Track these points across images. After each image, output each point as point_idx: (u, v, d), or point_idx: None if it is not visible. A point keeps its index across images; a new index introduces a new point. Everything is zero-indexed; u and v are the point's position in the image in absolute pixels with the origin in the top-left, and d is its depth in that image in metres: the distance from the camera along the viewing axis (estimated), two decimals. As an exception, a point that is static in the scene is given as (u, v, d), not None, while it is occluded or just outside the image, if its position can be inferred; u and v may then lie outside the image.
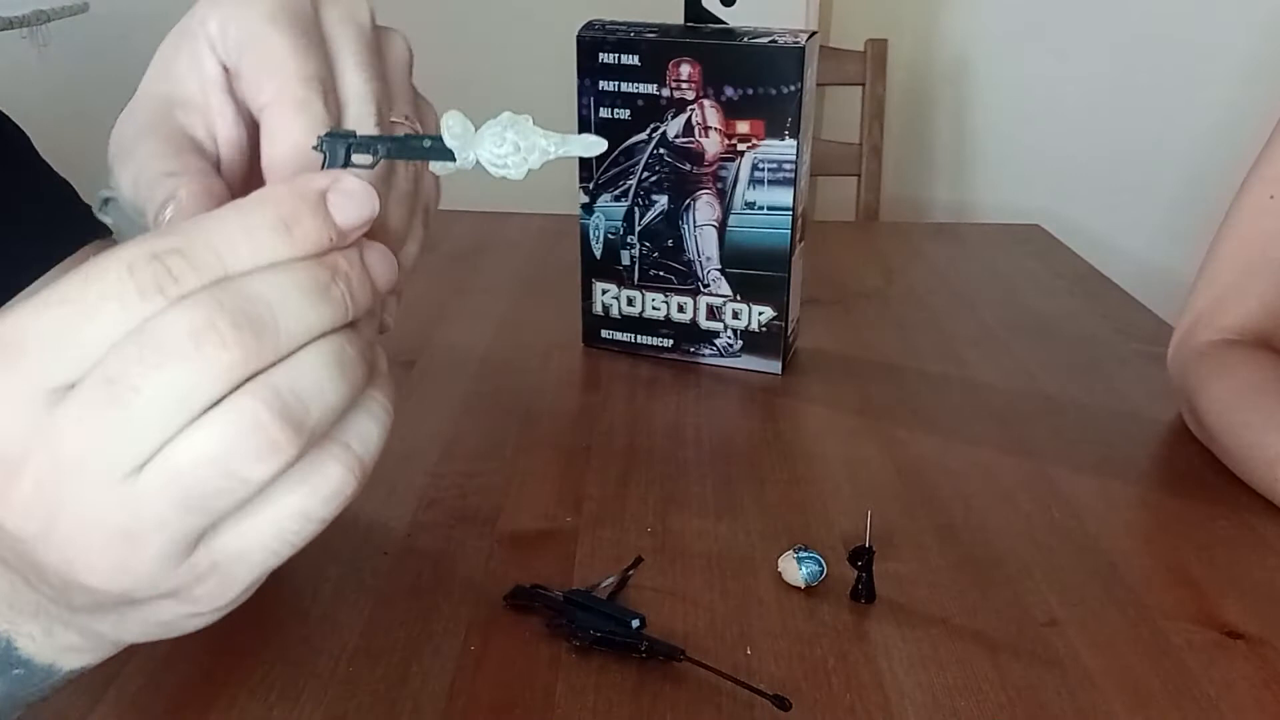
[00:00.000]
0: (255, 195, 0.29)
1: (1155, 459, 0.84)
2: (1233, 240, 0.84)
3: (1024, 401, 0.90)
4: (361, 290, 0.30)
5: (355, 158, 0.32)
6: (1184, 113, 1.89)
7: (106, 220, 0.43)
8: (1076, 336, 1.04)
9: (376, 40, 0.37)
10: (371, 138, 0.33)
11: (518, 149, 0.32)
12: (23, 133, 0.65)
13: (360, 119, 0.35)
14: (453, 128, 0.32)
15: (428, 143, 0.33)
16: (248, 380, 0.27)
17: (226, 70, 0.36)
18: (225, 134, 0.37)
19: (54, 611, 0.32)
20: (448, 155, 0.33)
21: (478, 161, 0.33)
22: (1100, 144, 1.94)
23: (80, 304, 0.27)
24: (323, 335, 0.28)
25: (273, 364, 0.27)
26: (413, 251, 0.38)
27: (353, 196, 0.29)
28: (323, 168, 0.32)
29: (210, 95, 0.36)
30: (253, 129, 0.36)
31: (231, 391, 0.27)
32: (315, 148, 0.32)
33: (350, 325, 0.30)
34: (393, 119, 0.36)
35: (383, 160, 0.34)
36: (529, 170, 0.33)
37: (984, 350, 1.00)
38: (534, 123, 0.33)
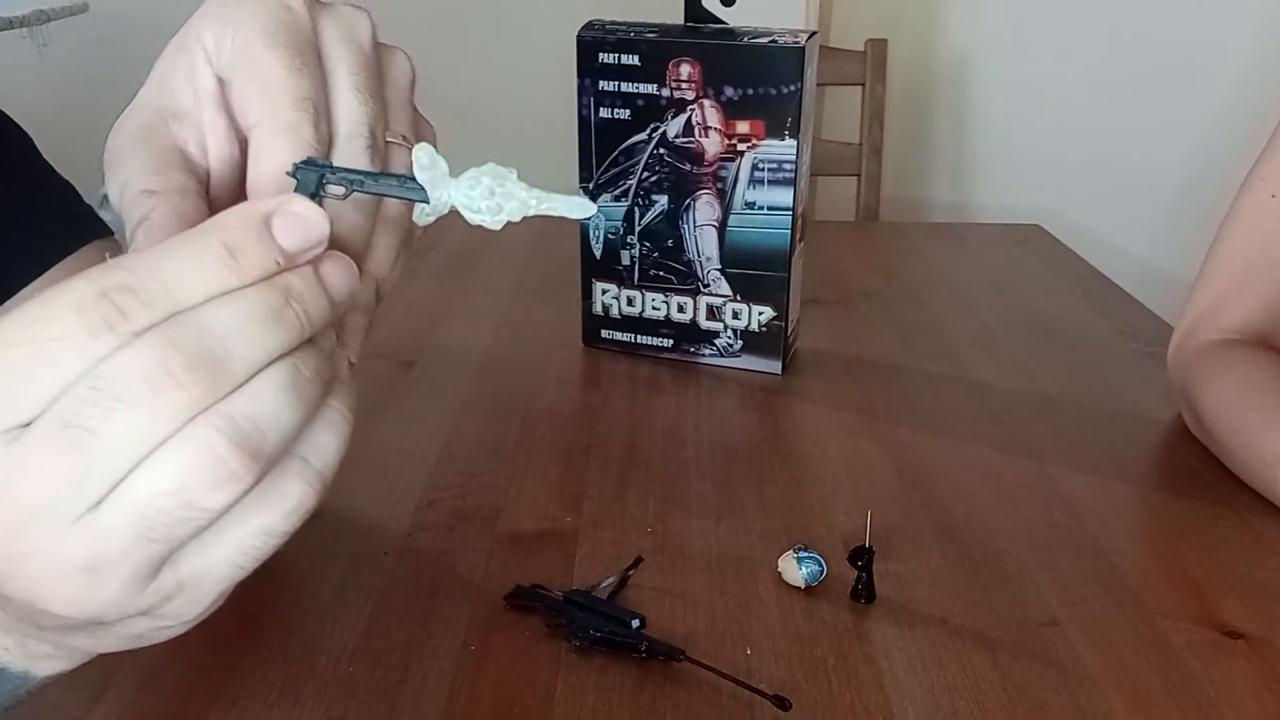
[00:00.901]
0: (204, 224, 0.29)
1: (1155, 459, 0.84)
2: (1233, 240, 0.84)
3: (1024, 401, 0.90)
4: (317, 307, 0.30)
5: (332, 189, 0.32)
6: (1184, 112, 1.89)
7: (106, 217, 0.42)
8: (1076, 336, 1.04)
9: (376, 59, 0.37)
10: (348, 171, 0.32)
11: (492, 194, 0.32)
12: (25, 134, 0.65)
13: (351, 141, 0.34)
14: (420, 159, 0.32)
15: (401, 180, 0.32)
16: (203, 410, 0.27)
17: (221, 83, 0.36)
18: (216, 149, 0.37)
19: (25, 629, 0.32)
20: (420, 193, 0.32)
21: (452, 205, 0.33)
22: (1100, 144, 1.94)
23: (31, 346, 0.27)
24: (279, 358, 0.29)
25: (228, 393, 0.28)
26: (393, 278, 0.37)
27: (299, 219, 0.29)
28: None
29: (204, 108, 0.36)
30: (245, 144, 0.36)
31: (187, 422, 0.27)
32: (290, 174, 0.32)
33: (307, 341, 0.30)
34: (389, 139, 0.36)
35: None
36: (505, 221, 0.32)
37: (984, 350, 1.00)
38: (519, 177, 0.32)
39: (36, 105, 0.74)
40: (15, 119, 0.65)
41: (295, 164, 0.32)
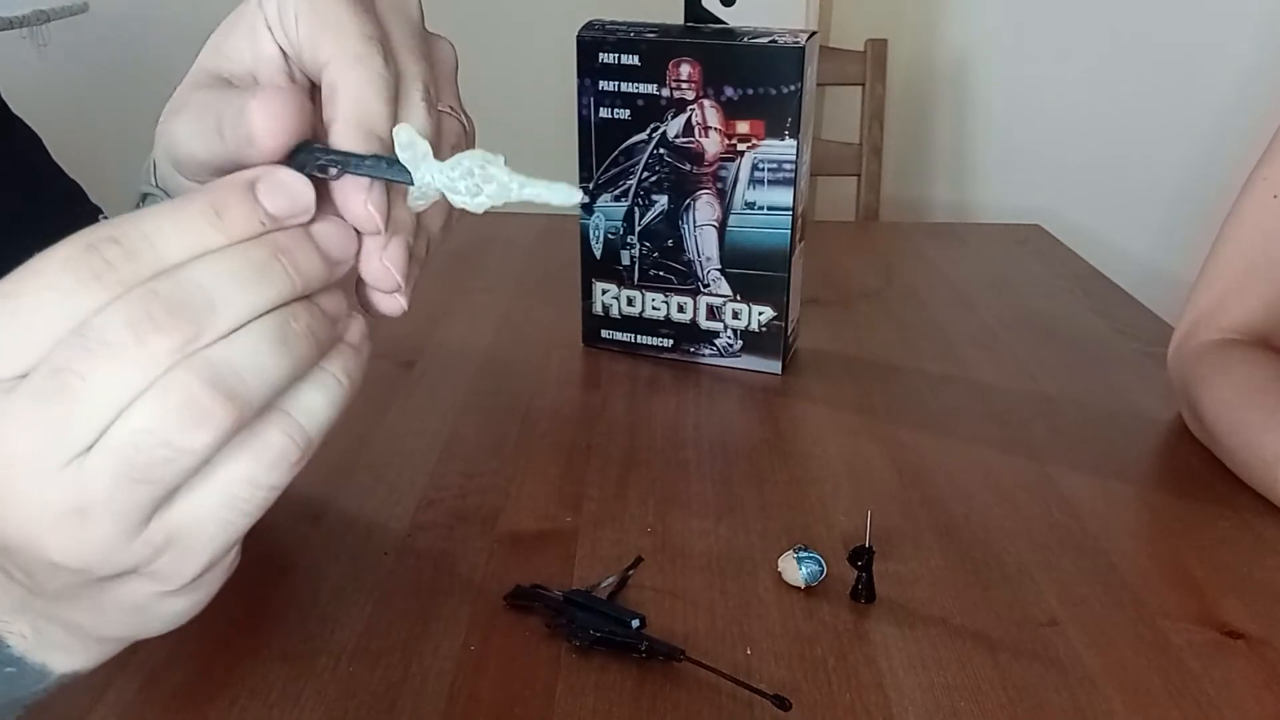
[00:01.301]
0: (188, 193, 0.29)
1: (1155, 459, 0.84)
2: (1235, 240, 0.84)
3: (1024, 401, 0.90)
4: (308, 262, 0.30)
5: (332, 172, 0.32)
6: (1184, 112, 1.89)
7: None
8: (1076, 336, 1.04)
9: (427, 44, 0.37)
10: (339, 153, 0.32)
11: (471, 175, 0.32)
12: (35, 135, 0.65)
13: (409, 99, 0.34)
14: (400, 138, 0.32)
15: (390, 161, 0.32)
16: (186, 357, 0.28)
17: (284, 54, 0.36)
18: None
19: (36, 605, 0.32)
20: (405, 175, 0.32)
21: (439, 190, 0.33)
22: (1100, 144, 1.94)
23: (20, 299, 0.28)
24: (270, 312, 0.29)
25: (214, 342, 0.28)
26: (443, 236, 0.37)
27: (283, 185, 0.30)
28: None
29: (263, 73, 0.36)
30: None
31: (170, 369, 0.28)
32: (287, 160, 0.32)
33: (304, 300, 0.30)
34: (440, 109, 0.36)
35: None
36: (487, 204, 0.32)
37: (984, 350, 1.00)
38: (506, 162, 0.32)
39: (36, 105, 0.74)
40: (20, 118, 0.65)
41: (295, 146, 0.32)
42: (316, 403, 0.31)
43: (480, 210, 0.32)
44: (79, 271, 0.27)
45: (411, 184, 0.33)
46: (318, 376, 0.31)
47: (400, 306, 0.35)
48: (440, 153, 0.33)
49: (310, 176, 0.31)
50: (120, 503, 0.28)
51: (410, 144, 0.32)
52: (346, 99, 0.33)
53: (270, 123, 0.31)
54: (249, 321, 0.29)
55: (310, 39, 0.34)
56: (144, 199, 0.42)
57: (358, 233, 0.33)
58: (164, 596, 0.32)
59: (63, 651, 0.34)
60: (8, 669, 0.34)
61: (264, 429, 0.30)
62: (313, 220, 0.31)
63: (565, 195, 0.32)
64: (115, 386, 0.27)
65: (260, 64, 0.36)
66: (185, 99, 0.36)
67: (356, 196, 0.32)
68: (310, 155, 0.32)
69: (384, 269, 0.33)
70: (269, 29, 0.36)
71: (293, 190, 0.30)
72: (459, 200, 0.33)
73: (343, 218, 0.32)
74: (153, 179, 0.41)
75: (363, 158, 0.32)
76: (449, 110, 0.37)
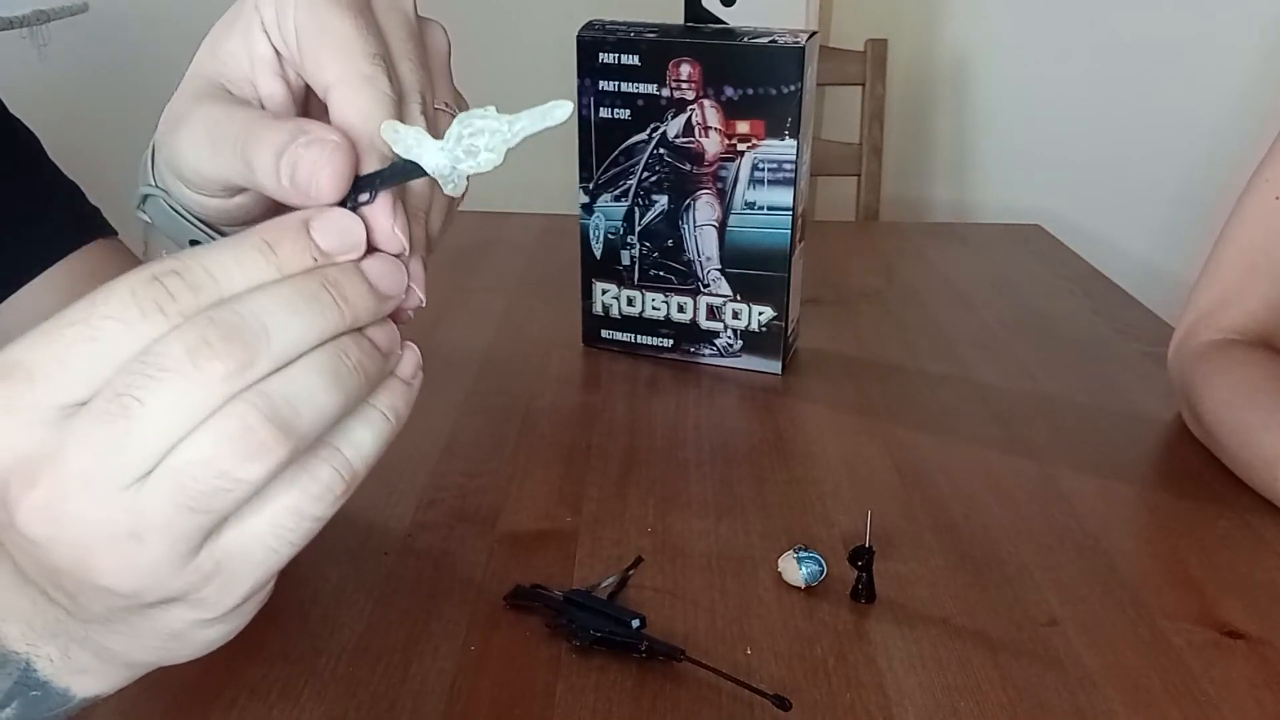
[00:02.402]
0: (245, 230, 0.30)
1: (1155, 459, 0.84)
2: (1236, 240, 0.84)
3: (1024, 401, 0.90)
4: (358, 296, 0.31)
5: (362, 199, 0.33)
6: (1184, 112, 1.89)
7: (144, 217, 0.43)
8: (1076, 336, 1.04)
9: (419, 30, 0.37)
10: (368, 177, 0.33)
11: (461, 139, 0.32)
12: (33, 134, 0.65)
13: (409, 114, 0.35)
14: (386, 135, 0.33)
15: (404, 165, 0.33)
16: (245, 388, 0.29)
17: (279, 55, 0.36)
18: (273, 110, 0.37)
19: (71, 628, 0.33)
20: (418, 169, 0.33)
21: (450, 165, 0.33)
22: (1100, 144, 1.94)
23: (86, 325, 0.29)
24: (321, 344, 0.30)
25: (268, 373, 0.29)
26: (443, 233, 0.38)
27: (335, 223, 0.31)
28: None
29: (259, 75, 0.37)
30: (301, 111, 0.37)
31: (229, 400, 0.29)
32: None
33: (356, 333, 0.31)
34: (436, 107, 0.37)
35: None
36: (493, 158, 0.32)
37: (984, 350, 1.00)
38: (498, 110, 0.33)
39: (37, 105, 0.74)
40: (19, 118, 0.65)
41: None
42: (364, 438, 0.32)
43: (490, 166, 0.33)
44: (142, 302, 0.28)
45: (426, 174, 0.33)
46: (366, 412, 0.32)
47: (411, 314, 0.36)
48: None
49: (354, 202, 0.32)
50: (175, 529, 0.29)
51: (399, 137, 0.33)
52: (356, 125, 0.33)
53: (336, 184, 0.32)
54: (302, 353, 0.30)
55: (314, 56, 0.34)
56: (145, 200, 0.42)
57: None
58: (202, 624, 0.32)
59: (89, 676, 0.34)
60: (33, 692, 0.34)
61: (313, 462, 0.31)
62: (363, 256, 0.32)
63: (558, 113, 0.32)
64: (173, 411, 0.28)
65: (256, 67, 0.36)
66: (187, 110, 0.36)
67: (384, 220, 0.33)
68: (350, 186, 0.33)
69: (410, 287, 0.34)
70: (265, 32, 0.36)
71: (344, 227, 0.31)
72: (467, 167, 0.33)
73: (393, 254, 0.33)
74: (151, 178, 0.41)
75: (378, 173, 0.33)
76: (443, 107, 0.37)
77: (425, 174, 0.33)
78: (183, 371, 0.28)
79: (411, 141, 0.33)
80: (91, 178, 0.70)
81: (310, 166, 0.32)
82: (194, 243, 0.42)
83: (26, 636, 0.33)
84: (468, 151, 0.32)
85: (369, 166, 0.33)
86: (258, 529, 0.30)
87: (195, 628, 0.32)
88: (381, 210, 0.33)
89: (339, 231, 0.31)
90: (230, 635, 0.33)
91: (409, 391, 0.34)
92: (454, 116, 0.36)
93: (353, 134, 0.33)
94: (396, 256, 0.33)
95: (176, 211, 0.41)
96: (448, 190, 0.33)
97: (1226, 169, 1.81)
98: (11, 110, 0.65)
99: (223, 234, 0.41)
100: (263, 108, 0.37)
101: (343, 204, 0.32)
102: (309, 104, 0.38)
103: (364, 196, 0.33)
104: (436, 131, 0.35)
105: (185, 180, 0.38)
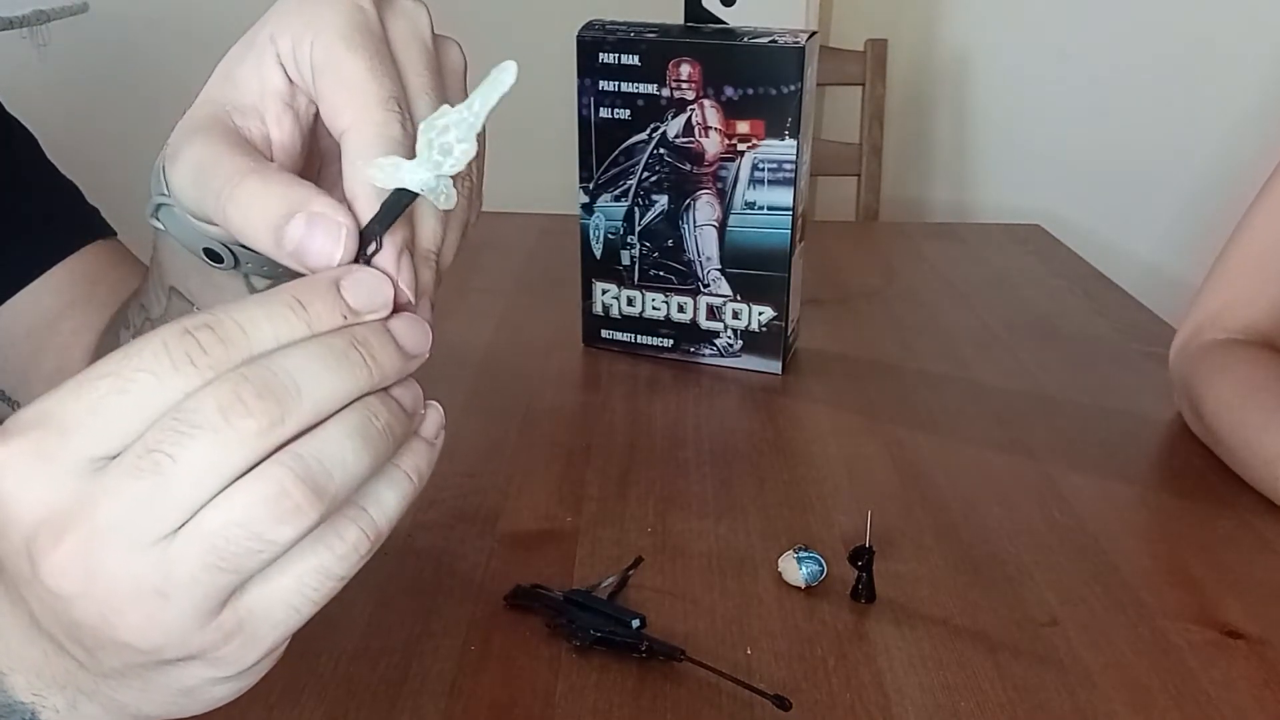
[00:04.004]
0: (276, 287, 0.31)
1: (1155, 459, 0.84)
2: (1248, 243, 0.84)
3: (1024, 401, 0.90)
4: (386, 355, 0.31)
5: (372, 248, 0.33)
6: (1184, 112, 1.89)
7: (158, 226, 0.43)
8: (1076, 336, 1.04)
9: (436, 54, 0.37)
10: (370, 226, 0.33)
11: (432, 145, 0.33)
12: (31, 135, 0.65)
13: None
14: (374, 177, 0.33)
15: (398, 197, 0.33)
16: (278, 449, 0.29)
17: (292, 84, 0.36)
18: (280, 142, 0.37)
19: (81, 680, 0.33)
20: (407, 194, 0.33)
21: (434, 177, 0.33)
22: (1101, 144, 1.94)
23: (118, 378, 0.29)
24: (350, 404, 0.30)
25: (301, 432, 0.29)
26: (446, 258, 0.38)
27: (364, 282, 0.32)
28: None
29: (269, 103, 0.37)
30: (307, 142, 0.37)
31: (262, 460, 0.29)
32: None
33: (384, 394, 0.31)
34: None
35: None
36: (468, 149, 0.33)
37: (984, 350, 1.00)
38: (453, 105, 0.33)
39: (37, 105, 0.74)
40: (17, 119, 0.65)
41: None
42: (389, 499, 0.32)
43: (468, 157, 0.33)
44: (174, 355, 0.29)
45: (417, 195, 0.33)
46: (391, 473, 0.32)
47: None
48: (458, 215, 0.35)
49: (364, 255, 0.33)
50: (202, 588, 0.29)
51: (379, 173, 0.33)
52: (368, 175, 0.33)
53: (333, 257, 0.32)
54: (333, 413, 0.30)
55: (329, 98, 0.35)
56: (158, 209, 0.42)
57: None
58: (216, 682, 0.32)
59: None
60: None
61: (340, 522, 0.31)
62: (390, 316, 0.32)
63: (505, 78, 0.33)
64: (205, 468, 0.28)
65: (267, 97, 0.36)
66: (186, 141, 0.36)
67: (393, 274, 0.33)
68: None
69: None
70: (280, 64, 0.36)
71: (373, 286, 0.32)
72: (448, 168, 0.33)
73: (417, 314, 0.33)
74: (164, 187, 0.41)
75: (376, 218, 0.33)
76: None
77: (416, 196, 0.33)
78: (215, 428, 0.28)
79: (390, 168, 0.33)
80: (91, 178, 0.70)
81: (320, 252, 0.32)
82: (208, 250, 0.42)
83: (33, 686, 0.33)
84: (443, 152, 0.33)
85: (378, 219, 0.33)
86: (282, 588, 0.31)
87: (209, 685, 0.32)
88: (389, 263, 0.33)
89: (368, 290, 0.32)
90: (241, 692, 0.34)
91: (432, 451, 0.34)
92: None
93: (362, 185, 0.33)
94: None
95: (188, 220, 0.41)
96: (441, 204, 0.33)
97: (1227, 168, 1.81)
98: (12, 110, 0.65)
99: (238, 245, 0.41)
100: (269, 138, 0.37)
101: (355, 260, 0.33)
102: (316, 131, 0.38)
103: (371, 247, 0.33)
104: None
105: (182, 207, 0.38)
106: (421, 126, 0.33)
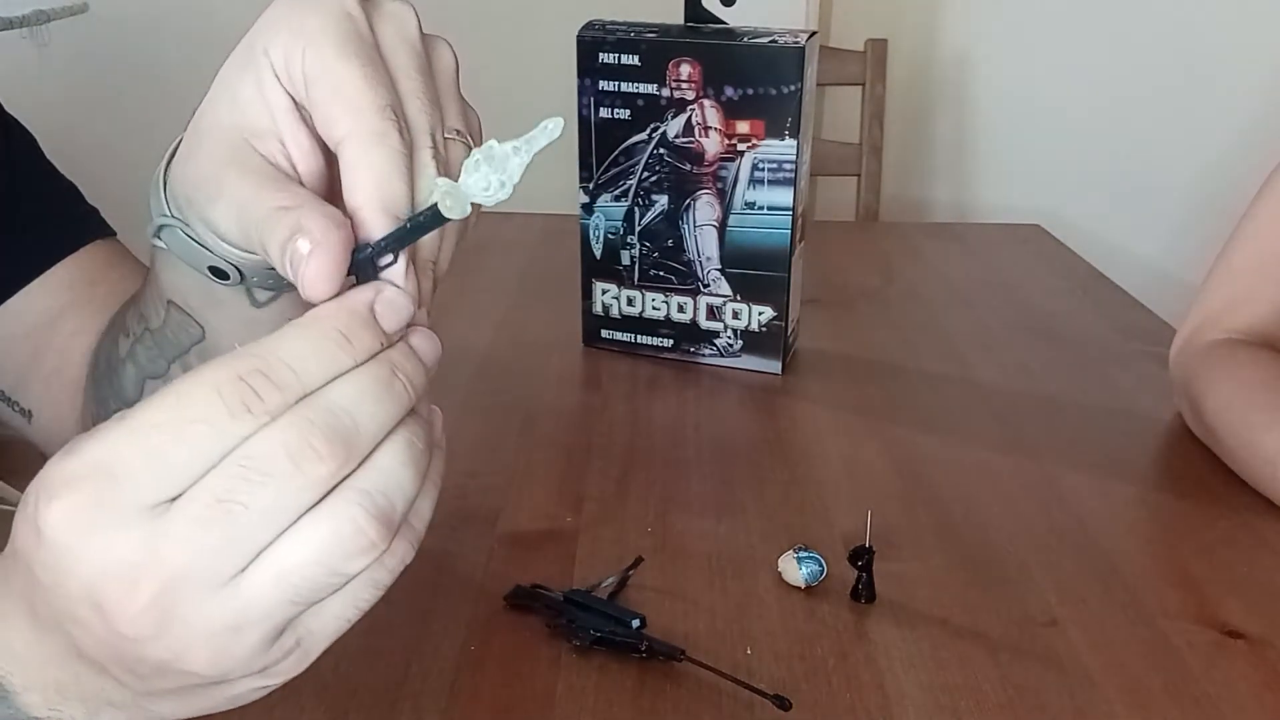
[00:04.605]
0: (311, 315, 0.32)
1: (1155, 459, 0.84)
2: (1248, 244, 0.84)
3: (1024, 401, 0.90)
4: (416, 374, 0.33)
5: (385, 261, 0.34)
6: (1184, 112, 1.89)
7: (161, 245, 0.43)
8: (1077, 336, 1.04)
9: (426, 54, 0.37)
10: (390, 239, 0.34)
11: (478, 168, 0.34)
12: (30, 135, 0.65)
13: (420, 163, 0.35)
14: (447, 204, 0.34)
15: (432, 213, 0.34)
16: (340, 483, 0.30)
17: (293, 98, 0.36)
18: (303, 163, 0.37)
19: (114, 695, 0.33)
20: (439, 219, 0.34)
21: (468, 200, 0.34)
22: (1101, 144, 1.94)
23: (173, 428, 0.29)
24: (395, 429, 0.32)
25: (358, 463, 0.31)
26: (443, 266, 0.39)
27: (393, 305, 0.33)
28: (356, 283, 0.34)
29: (282, 124, 0.37)
30: (328, 154, 0.37)
31: (327, 494, 0.30)
32: (349, 271, 0.34)
33: (417, 415, 0.33)
34: (445, 136, 0.37)
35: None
36: (510, 187, 0.34)
37: (984, 350, 1.00)
38: (499, 140, 0.34)
39: (36, 105, 0.74)
40: (16, 119, 0.65)
41: (353, 257, 0.34)
42: (424, 508, 0.34)
43: (510, 193, 0.34)
44: (230, 403, 0.29)
45: (446, 221, 0.34)
46: (425, 486, 0.34)
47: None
48: (454, 178, 0.35)
49: (376, 266, 0.34)
50: (274, 620, 0.30)
51: (434, 191, 0.34)
52: (369, 183, 0.34)
53: (324, 290, 0.33)
54: (383, 441, 0.31)
55: (324, 109, 0.35)
56: (160, 230, 0.42)
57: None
58: (262, 689, 0.34)
59: None
60: None
61: (396, 542, 0.32)
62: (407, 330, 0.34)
63: (554, 129, 0.34)
64: (276, 512, 0.29)
65: (279, 118, 0.36)
66: (218, 178, 0.36)
67: (399, 283, 0.34)
68: (367, 260, 0.34)
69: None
70: (275, 78, 0.36)
71: (399, 306, 0.33)
72: (487, 199, 0.34)
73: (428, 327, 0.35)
74: (165, 208, 0.42)
75: (409, 229, 0.34)
76: (454, 135, 0.37)
77: (444, 222, 0.34)
78: (288, 475, 0.29)
79: (457, 193, 0.34)
80: (91, 177, 0.70)
81: (304, 275, 0.33)
82: (213, 268, 0.42)
83: (51, 701, 0.33)
84: (499, 185, 0.34)
85: (380, 225, 0.34)
86: (338, 604, 0.32)
87: (255, 692, 0.34)
88: (398, 275, 0.34)
89: (396, 312, 0.33)
90: (270, 690, 0.35)
91: (443, 456, 0.36)
92: (464, 142, 0.37)
93: (365, 192, 0.34)
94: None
95: (194, 240, 0.41)
96: (455, 216, 0.34)
97: (1228, 168, 1.81)
98: (12, 110, 0.65)
99: (245, 261, 0.42)
100: (292, 160, 0.37)
101: (369, 263, 0.33)
102: (325, 149, 0.38)
103: (388, 259, 0.34)
104: (446, 162, 0.36)
105: (225, 240, 0.39)
106: (469, 157, 0.34)
